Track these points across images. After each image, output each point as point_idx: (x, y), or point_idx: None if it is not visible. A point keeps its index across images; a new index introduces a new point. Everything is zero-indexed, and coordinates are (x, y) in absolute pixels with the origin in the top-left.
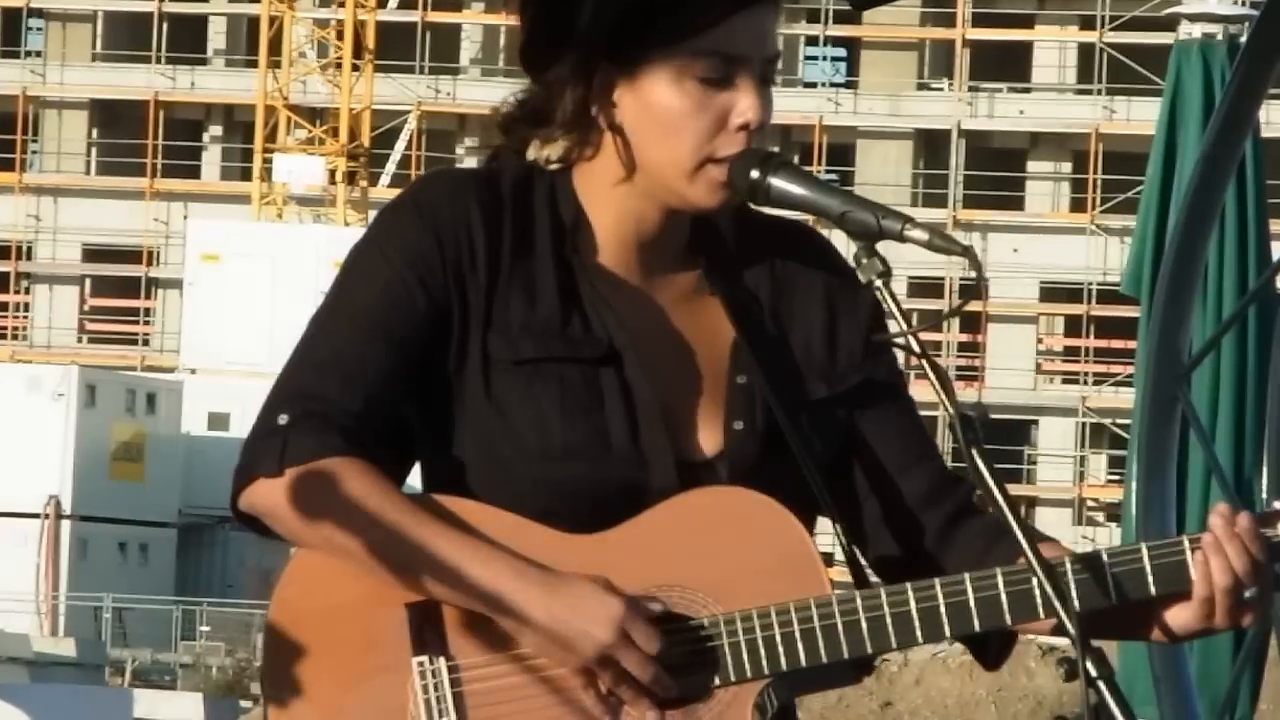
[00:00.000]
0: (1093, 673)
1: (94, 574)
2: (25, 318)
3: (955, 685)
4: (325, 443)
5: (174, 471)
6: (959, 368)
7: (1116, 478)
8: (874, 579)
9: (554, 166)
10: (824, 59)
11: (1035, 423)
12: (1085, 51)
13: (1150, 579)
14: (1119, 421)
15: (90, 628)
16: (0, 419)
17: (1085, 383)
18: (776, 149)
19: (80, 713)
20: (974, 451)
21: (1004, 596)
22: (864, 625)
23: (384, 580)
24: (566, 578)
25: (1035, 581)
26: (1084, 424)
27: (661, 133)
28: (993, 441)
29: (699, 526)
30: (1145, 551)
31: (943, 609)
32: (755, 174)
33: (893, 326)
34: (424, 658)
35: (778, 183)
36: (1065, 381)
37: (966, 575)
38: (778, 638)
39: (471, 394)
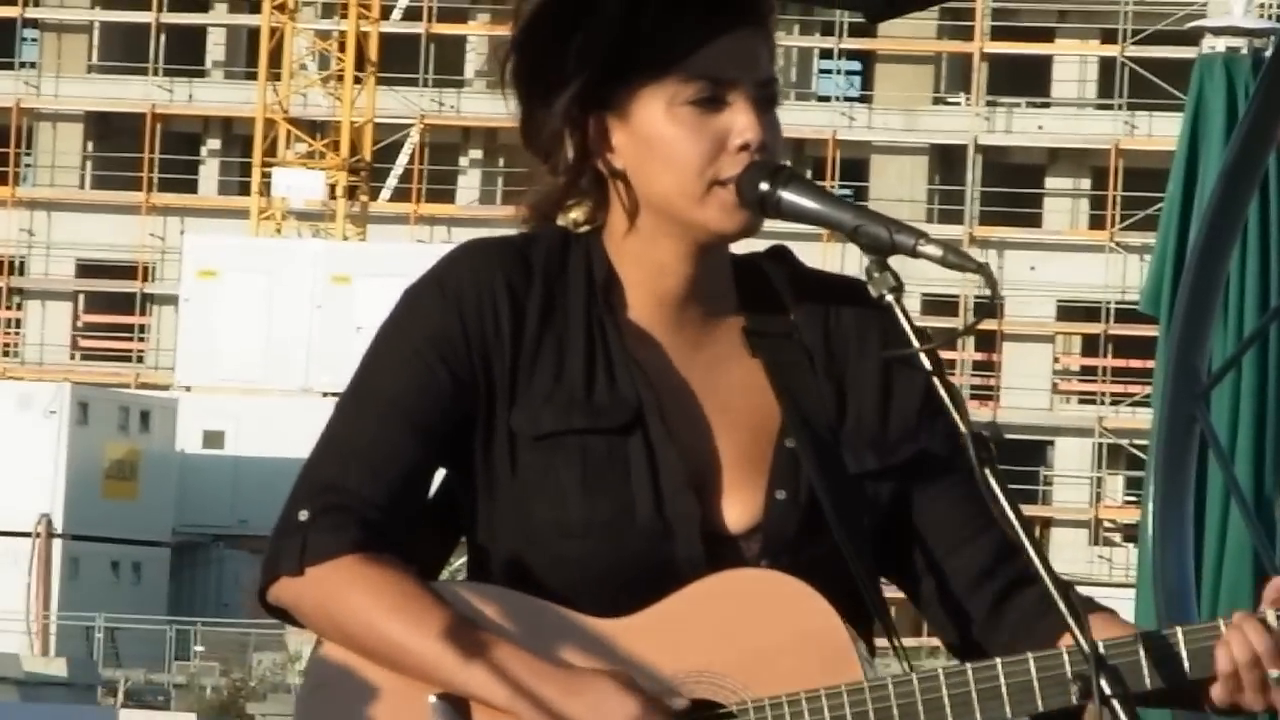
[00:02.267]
0: (1106, 690)
1: (86, 593)
2: (17, 334)
3: None
4: (344, 540)
5: (168, 490)
6: (974, 387)
7: (1134, 499)
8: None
9: (583, 229)
10: (838, 72)
11: (1051, 443)
12: (1106, 65)
13: (1186, 664)
14: (1136, 442)
15: (82, 647)
16: None
17: (1102, 403)
18: (788, 163)
19: None
20: (987, 472)
21: (1036, 682)
22: (894, 712)
23: (404, 673)
24: (584, 677)
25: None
26: (1101, 444)
27: (662, 164)
28: (1008, 462)
29: (729, 610)
30: (1181, 635)
31: (974, 694)
32: (765, 186)
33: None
34: None
35: (789, 196)
36: (1082, 401)
37: (999, 661)
38: None
39: (499, 473)
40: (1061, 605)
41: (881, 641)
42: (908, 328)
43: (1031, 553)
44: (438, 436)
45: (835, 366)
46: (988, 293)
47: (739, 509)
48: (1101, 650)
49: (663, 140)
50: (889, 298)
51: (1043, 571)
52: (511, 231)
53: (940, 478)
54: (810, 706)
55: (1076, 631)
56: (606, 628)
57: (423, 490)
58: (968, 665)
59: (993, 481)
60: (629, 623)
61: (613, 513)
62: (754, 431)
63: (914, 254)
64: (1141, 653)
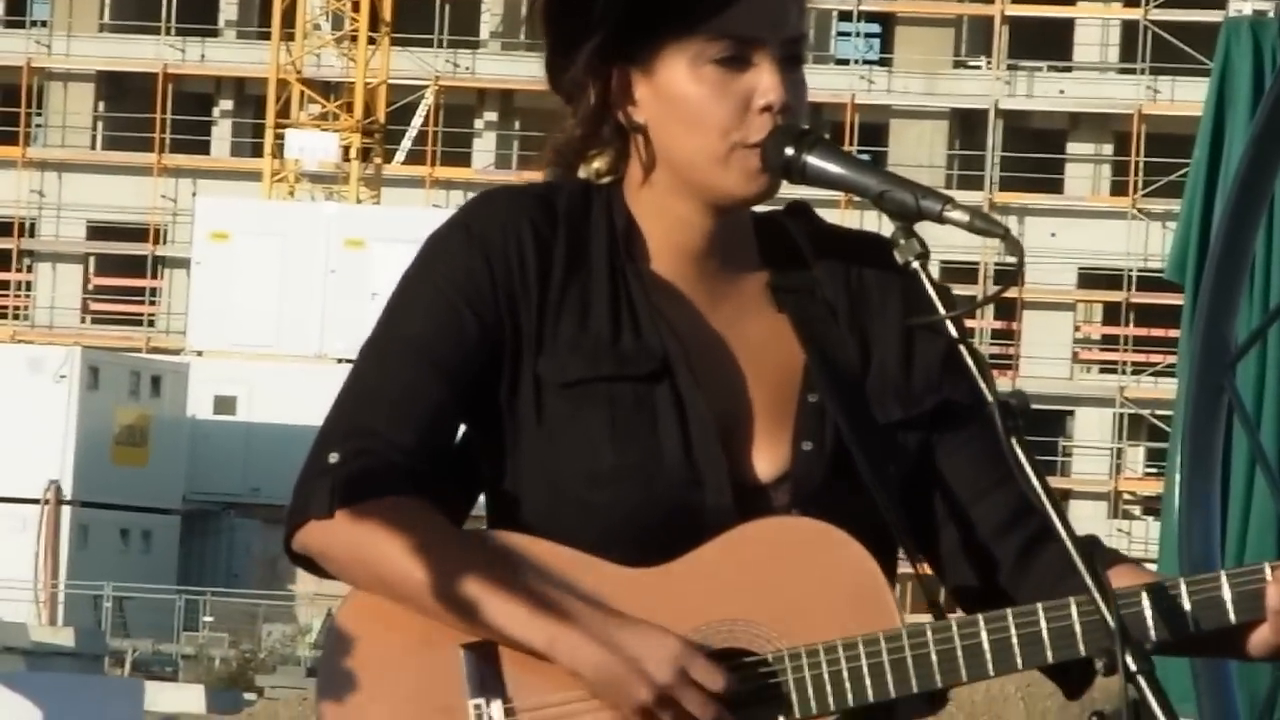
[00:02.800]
0: (1132, 667)
1: (94, 562)
2: (27, 297)
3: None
4: (377, 482)
5: (178, 456)
6: (993, 356)
7: (1155, 470)
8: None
9: (605, 180)
10: (857, 35)
11: (1071, 413)
12: (1129, 29)
13: (1230, 608)
14: (1158, 413)
15: (90, 617)
16: (1, 401)
17: (1124, 372)
18: (812, 128)
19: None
20: (1014, 441)
21: (1078, 627)
22: (934, 659)
23: (438, 621)
24: (622, 620)
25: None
26: (1122, 415)
27: (685, 125)
28: (1027, 432)
29: (763, 558)
30: (1225, 579)
31: (1015, 641)
32: (790, 151)
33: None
34: (480, 700)
35: (814, 160)
36: (1103, 371)
37: (1040, 606)
38: (845, 673)
39: (524, 421)
40: (1089, 581)
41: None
42: (934, 294)
43: (1059, 526)
44: (464, 381)
45: (858, 320)
46: (1009, 260)
47: (767, 459)
48: (1145, 600)
49: (685, 99)
50: (915, 264)
51: (1070, 546)
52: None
53: (963, 428)
54: (848, 654)
55: (1104, 609)
56: (638, 576)
57: (450, 436)
58: (1008, 611)
59: (1019, 451)
60: (661, 571)
61: (641, 460)
62: (778, 384)
63: (940, 219)
64: (1186, 597)
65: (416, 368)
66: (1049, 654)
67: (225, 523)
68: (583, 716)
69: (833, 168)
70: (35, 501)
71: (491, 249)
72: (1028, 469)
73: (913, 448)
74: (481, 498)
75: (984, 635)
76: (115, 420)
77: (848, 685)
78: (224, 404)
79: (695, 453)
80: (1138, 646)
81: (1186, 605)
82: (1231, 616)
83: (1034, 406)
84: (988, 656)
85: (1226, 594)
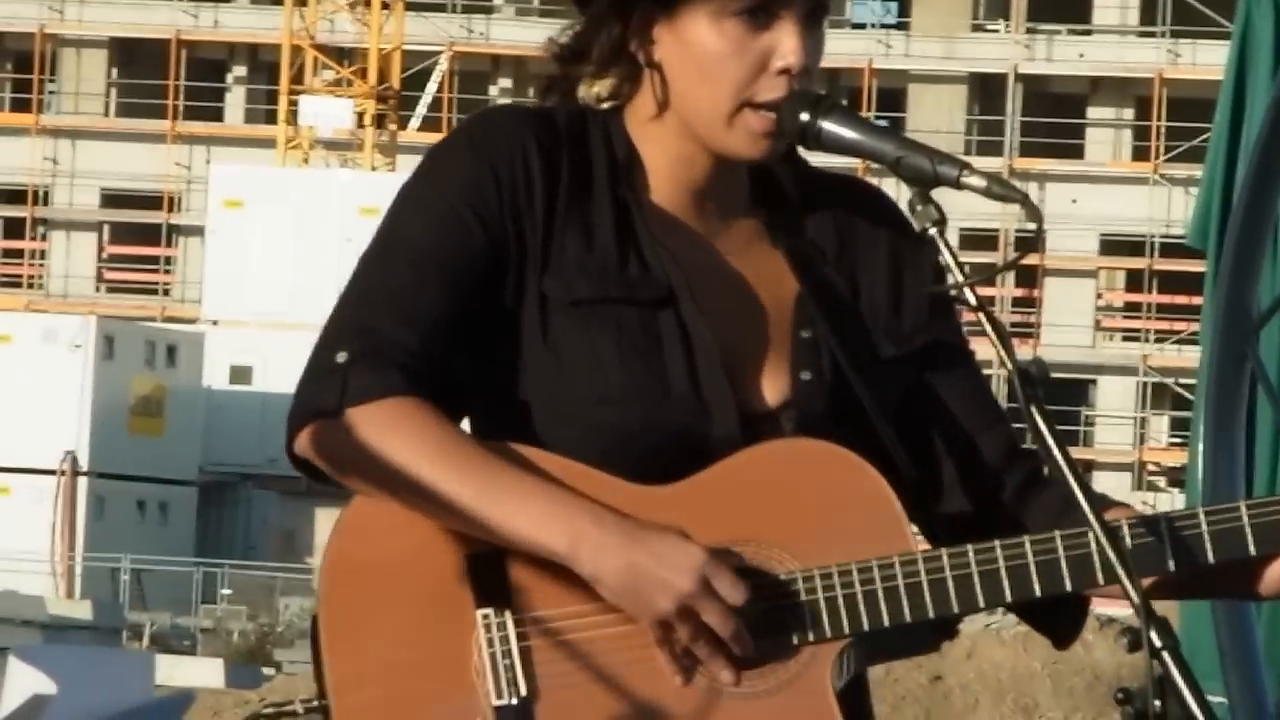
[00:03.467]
0: (1157, 643)
1: (111, 534)
2: (41, 265)
3: (1009, 658)
4: (387, 381)
5: (195, 427)
6: (1014, 324)
7: (1179, 440)
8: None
9: (605, 105)
10: None
11: (1094, 382)
12: None
13: (1250, 539)
14: (1182, 381)
15: (107, 590)
16: (15, 371)
17: (1147, 340)
18: (828, 93)
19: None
20: (1033, 409)
21: (1096, 558)
22: (950, 583)
23: (450, 524)
24: (645, 525)
25: (1100, 547)
26: (1145, 384)
27: (700, 75)
28: (1049, 401)
29: (775, 478)
30: (1244, 510)
31: (1032, 567)
32: (805, 117)
33: (950, 278)
34: (489, 610)
35: (829, 126)
36: (1126, 339)
37: (1057, 533)
38: (859, 595)
39: (526, 336)
40: (1111, 554)
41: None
42: (951, 261)
43: (1080, 497)
44: (467, 289)
45: (847, 259)
46: (1029, 226)
47: (770, 388)
48: (1203, 519)
49: (704, 50)
50: (932, 230)
51: (1093, 518)
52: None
53: (955, 368)
54: (862, 577)
55: (1127, 584)
56: (649, 492)
57: (450, 343)
58: (1025, 537)
59: (1040, 419)
60: (675, 488)
61: (649, 383)
62: (775, 318)
63: (958, 185)
64: (1204, 525)
65: (422, 273)
66: (1066, 581)
67: (243, 494)
68: (595, 628)
69: (848, 133)
70: (51, 473)
71: (498, 161)
72: (1047, 437)
73: (902, 384)
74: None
75: (1000, 560)
76: (131, 390)
77: (862, 608)
78: (240, 374)
79: (701, 383)
80: (1163, 623)
81: (1206, 536)
82: (1251, 548)
83: (1056, 375)
84: (1004, 581)
85: (1246, 523)
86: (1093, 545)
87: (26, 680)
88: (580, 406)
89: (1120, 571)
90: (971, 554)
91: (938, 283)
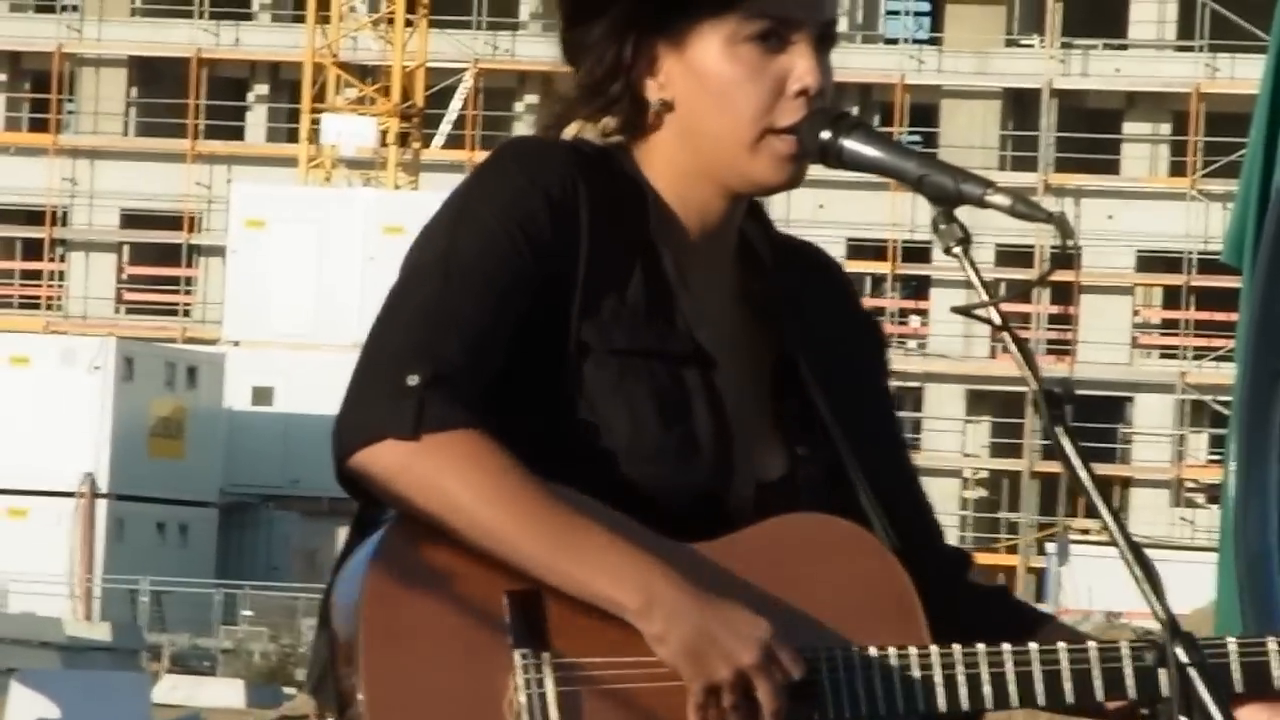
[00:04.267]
0: (1183, 659)
1: (131, 555)
2: (61, 287)
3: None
4: (463, 414)
5: (215, 448)
6: (1050, 341)
7: (1217, 458)
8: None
9: (612, 139)
10: (906, 13)
11: (1131, 399)
12: (1186, 4)
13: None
14: (1220, 398)
15: (126, 611)
16: (34, 392)
17: (1184, 357)
18: (850, 110)
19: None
20: (1059, 430)
21: (1129, 666)
22: (985, 677)
23: (514, 566)
24: (712, 590)
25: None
26: (1183, 401)
27: (716, 104)
28: (1086, 419)
29: (798, 553)
30: (1233, 647)
31: (1066, 673)
32: (827, 135)
33: (974, 297)
34: (526, 650)
35: (851, 145)
36: (1163, 356)
37: (1092, 643)
38: (878, 681)
39: (563, 379)
40: (1138, 571)
41: None
42: (977, 281)
43: (1108, 517)
44: (522, 322)
45: (821, 328)
46: (1065, 243)
47: (772, 457)
48: (1233, 650)
49: (719, 79)
50: (956, 249)
51: (1119, 537)
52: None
53: (895, 424)
54: (883, 662)
55: (1153, 599)
56: (695, 549)
57: (501, 377)
58: (1060, 643)
59: (1065, 441)
60: (709, 546)
61: (680, 442)
62: (765, 383)
63: (981, 204)
64: (1234, 654)
65: (484, 301)
66: (1098, 690)
67: (264, 515)
68: (632, 681)
69: (871, 151)
70: (70, 495)
71: (552, 194)
72: (1074, 459)
73: (883, 446)
74: None
75: (1035, 664)
76: (151, 412)
77: (879, 694)
78: (261, 395)
79: (731, 444)
80: (1188, 638)
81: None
82: (1239, 686)
83: (1092, 393)
84: (1038, 686)
85: (1234, 662)
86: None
87: (30, 705)
88: (612, 458)
89: (1144, 586)
90: (1008, 653)
91: (884, 348)
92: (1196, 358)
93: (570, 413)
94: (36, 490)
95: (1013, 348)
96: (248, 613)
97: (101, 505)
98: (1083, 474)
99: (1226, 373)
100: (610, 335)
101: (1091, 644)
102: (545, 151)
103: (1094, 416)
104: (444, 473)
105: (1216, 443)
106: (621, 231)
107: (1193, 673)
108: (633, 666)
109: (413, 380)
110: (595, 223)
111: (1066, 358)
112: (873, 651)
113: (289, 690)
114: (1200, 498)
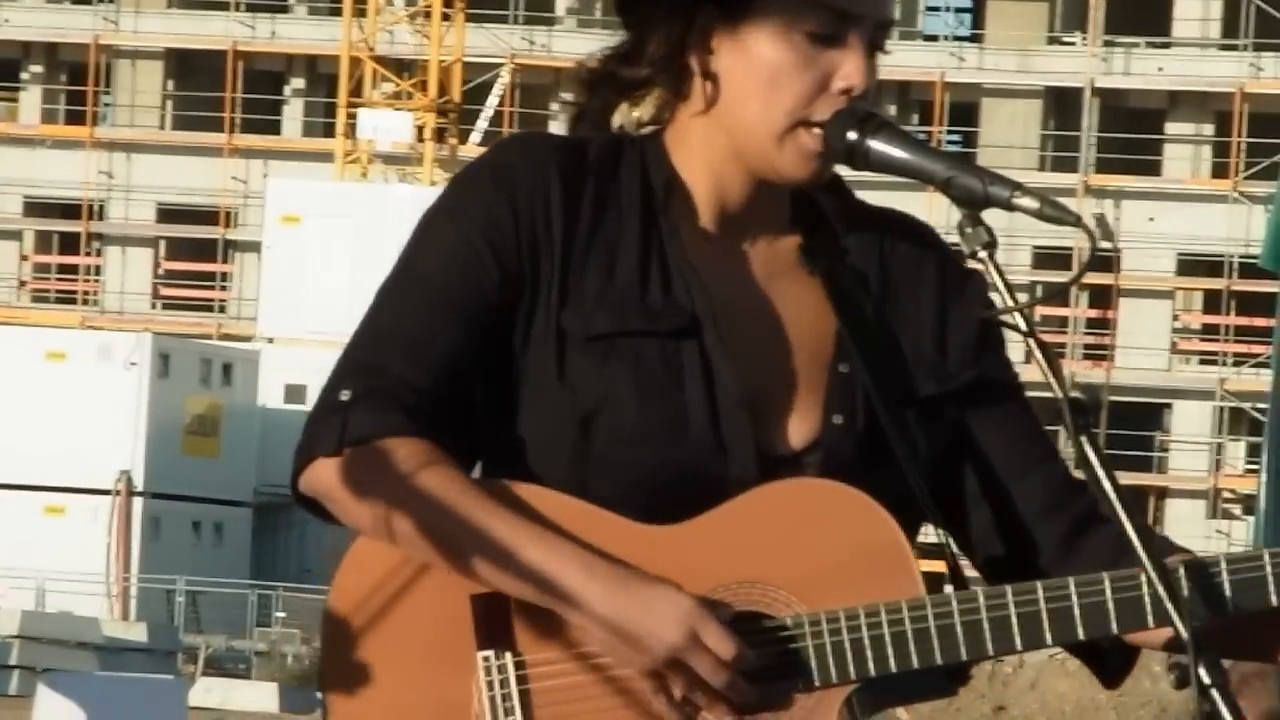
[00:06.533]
0: (1206, 679)
1: (166, 555)
2: (96, 281)
3: (1074, 689)
4: (387, 420)
5: (250, 447)
6: (1087, 346)
7: (1256, 467)
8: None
9: (645, 130)
10: (947, 10)
11: (1169, 406)
12: (1231, 3)
13: (1273, 588)
14: (1260, 406)
15: (162, 611)
16: (70, 389)
17: (1224, 363)
18: (876, 111)
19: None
20: (1083, 438)
21: (1111, 604)
22: (959, 630)
23: (443, 568)
24: (636, 573)
25: (1145, 587)
26: (1222, 408)
27: (759, 87)
28: (1122, 426)
29: (783, 519)
30: (1268, 558)
31: (1044, 614)
32: (853, 135)
33: (999, 301)
34: (489, 652)
35: (877, 145)
36: (1203, 362)
37: (1071, 580)
38: (866, 640)
39: (542, 372)
40: (1161, 590)
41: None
42: (1002, 285)
43: (1129, 529)
44: (480, 326)
45: (891, 293)
46: (1104, 245)
47: (796, 428)
48: (1224, 567)
49: (769, 64)
50: (981, 254)
51: (1141, 550)
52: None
53: (1003, 404)
54: (869, 622)
55: (1175, 617)
56: (654, 533)
57: (461, 383)
58: (1037, 584)
59: (1090, 450)
60: (677, 529)
61: (666, 421)
62: (810, 351)
63: (1009, 207)
64: (1269, 567)
65: (435, 309)
66: (1079, 630)
67: (298, 516)
68: (597, 671)
69: (897, 153)
70: (106, 493)
71: (517, 193)
72: (1098, 468)
73: (945, 423)
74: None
75: (1011, 608)
76: (186, 409)
77: (869, 653)
78: (295, 393)
79: (721, 420)
80: (1211, 658)
81: (1226, 582)
82: (1274, 598)
83: (1129, 399)
84: (1015, 630)
85: (1269, 573)
86: (1107, 589)
87: (55, 709)
88: (594, 444)
89: (1169, 604)
90: (982, 599)
91: (989, 329)
92: (1236, 364)
93: (554, 402)
94: (73, 488)
95: (1038, 354)
96: (281, 614)
97: (137, 504)
98: (1107, 484)
99: (1266, 379)
100: (591, 321)
101: (1106, 577)
102: (519, 151)
103: (1130, 423)
104: (367, 482)
105: (1254, 451)
106: (615, 217)
107: (1215, 694)
108: (596, 657)
109: (343, 396)
110: (572, 215)
111: (1104, 362)
112: (861, 611)
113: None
114: (1237, 509)
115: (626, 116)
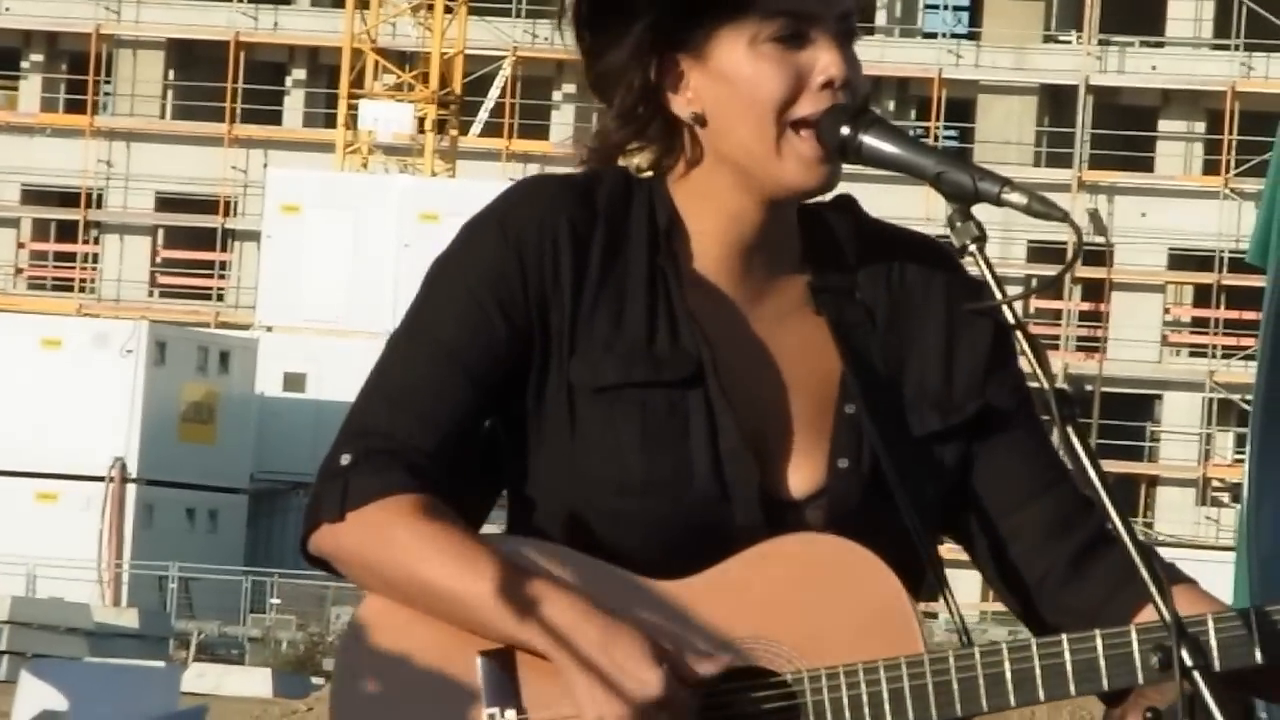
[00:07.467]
0: (1188, 662)
1: (160, 541)
2: (94, 269)
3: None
4: (388, 481)
5: (246, 434)
6: (1080, 338)
7: (1243, 457)
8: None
9: (646, 175)
10: (945, 8)
11: (1159, 397)
12: (1223, 3)
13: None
14: (1248, 398)
15: (155, 598)
16: (66, 376)
17: (1214, 356)
18: (869, 107)
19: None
20: (1070, 430)
21: (1102, 660)
22: (955, 687)
23: (445, 624)
24: (618, 632)
25: (1135, 644)
26: (1211, 399)
27: (744, 105)
28: (1114, 416)
29: (789, 576)
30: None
31: (1038, 672)
32: (846, 130)
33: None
34: (495, 709)
35: (869, 140)
36: (1193, 354)
37: (1064, 637)
38: (864, 696)
39: (554, 424)
40: (1143, 571)
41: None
42: (990, 279)
43: (1115, 518)
44: (489, 384)
45: (897, 323)
46: (1097, 239)
47: (801, 475)
48: (1211, 627)
49: (745, 79)
50: (971, 248)
51: (1125, 536)
52: (573, 170)
53: (1007, 431)
54: (868, 678)
55: (1158, 599)
56: (662, 588)
57: (470, 439)
58: (1031, 640)
59: (1075, 440)
60: (685, 584)
61: (672, 472)
62: (816, 394)
63: (998, 202)
64: (1255, 624)
65: (440, 368)
66: (1071, 686)
67: (294, 503)
68: None
69: (889, 148)
70: (100, 479)
71: (526, 247)
72: (1084, 459)
73: (951, 458)
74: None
75: (1007, 665)
76: (182, 397)
77: (866, 710)
78: (293, 381)
79: (725, 470)
80: (1193, 641)
81: (1255, 637)
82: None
83: (1121, 390)
84: (1009, 686)
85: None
86: (1099, 645)
87: (37, 696)
88: (601, 495)
89: (1153, 588)
90: (978, 656)
91: (998, 343)
92: (1225, 356)
93: (562, 454)
94: (66, 474)
95: (1025, 347)
96: (276, 600)
97: (131, 490)
98: (1092, 473)
99: (1254, 372)
100: (599, 371)
101: (1098, 635)
102: (528, 201)
103: (1122, 414)
104: (370, 544)
105: (1243, 441)
106: (623, 263)
107: (1198, 676)
108: None
109: (345, 460)
110: (581, 264)
111: (1096, 354)
112: (860, 666)
113: (316, 680)
114: (1226, 497)
115: (627, 161)
